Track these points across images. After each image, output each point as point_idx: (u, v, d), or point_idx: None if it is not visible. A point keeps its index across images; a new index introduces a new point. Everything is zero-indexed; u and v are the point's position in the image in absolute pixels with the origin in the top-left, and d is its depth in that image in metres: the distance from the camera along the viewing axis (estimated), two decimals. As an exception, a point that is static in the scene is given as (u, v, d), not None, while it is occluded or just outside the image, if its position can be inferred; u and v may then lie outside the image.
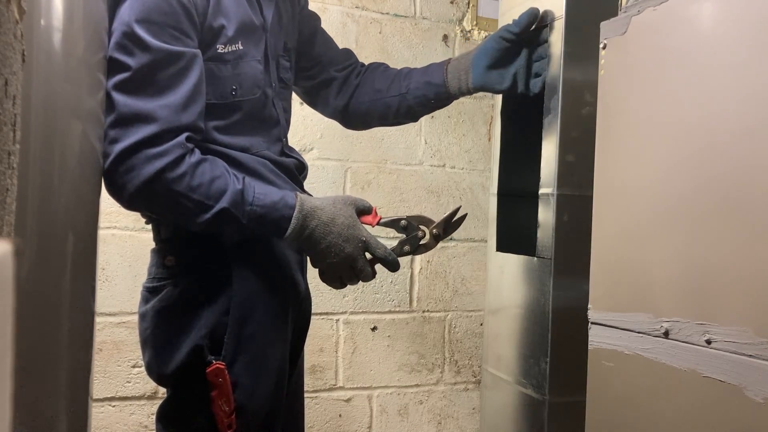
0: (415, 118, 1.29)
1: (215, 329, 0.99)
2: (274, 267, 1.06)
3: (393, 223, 1.09)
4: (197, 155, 0.94)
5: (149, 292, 1.04)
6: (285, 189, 1.03)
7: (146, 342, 1.04)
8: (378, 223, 1.08)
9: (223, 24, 0.99)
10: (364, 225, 1.05)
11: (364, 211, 1.06)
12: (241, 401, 0.99)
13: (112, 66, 0.90)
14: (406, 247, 1.09)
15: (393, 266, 1.05)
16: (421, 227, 1.10)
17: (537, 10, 1.20)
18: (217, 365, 0.98)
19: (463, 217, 1.12)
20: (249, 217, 0.96)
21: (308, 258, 1.07)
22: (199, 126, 0.95)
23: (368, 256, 1.05)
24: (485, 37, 1.83)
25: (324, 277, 1.06)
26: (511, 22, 1.21)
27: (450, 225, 1.11)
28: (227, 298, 1.00)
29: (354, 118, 1.31)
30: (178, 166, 0.91)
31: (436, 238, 1.10)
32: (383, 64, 1.32)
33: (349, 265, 1.03)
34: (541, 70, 1.21)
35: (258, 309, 1.02)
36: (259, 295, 1.03)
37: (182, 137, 0.92)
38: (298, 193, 1.02)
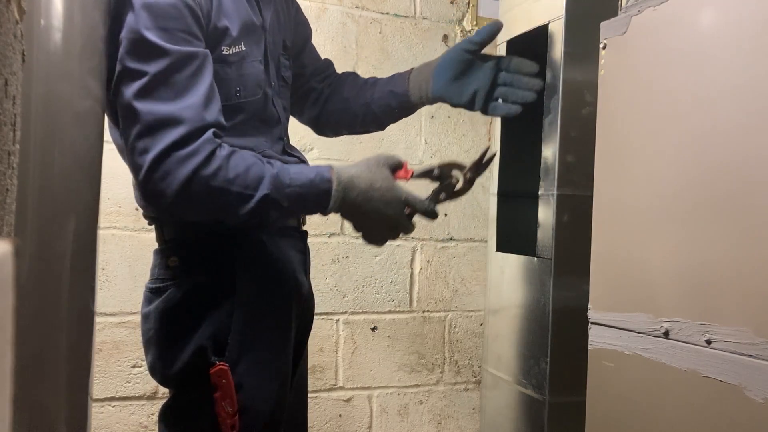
0: (381, 126, 1.29)
1: (219, 330, 0.99)
2: (277, 268, 1.06)
3: (426, 174, 1.10)
4: (227, 148, 0.93)
5: (152, 293, 1.04)
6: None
7: (149, 343, 1.03)
8: (411, 177, 1.08)
9: (226, 25, 0.99)
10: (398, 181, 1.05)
11: (396, 167, 1.06)
12: (245, 402, 0.99)
13: (128, 76, 0.89)
14: (442, 195, 1.10)
15: (433, 217, 1.06)
16: (454, 173, 1.10)
17: (500, 23, 1.18)
18: (221, 366, 0.98)
19: (493, 156, 1.13)
20: (289, 199, 0.95)
21: (351, 224, 1.05)
22: (221, 122, 0.95)
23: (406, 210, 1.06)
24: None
25: (366, 238, 1.06)
26: (507, 25, 1.21)
27: (481, 166, 1.12)
28: (231, 299, 1.00)
29: (324, 126, 1.32)
30: (211, 162, 0.90)
31: (470, 182, 1.11)
32: (353, 73, 1.32)
33: (391, 225, 1.03)
34: (503, 96, 1.17)
35: (261, 310, 1.02)
36: (263, 295, 1.03)
37: (209, 134, 0.92)
38: (331, 165, 1.01)
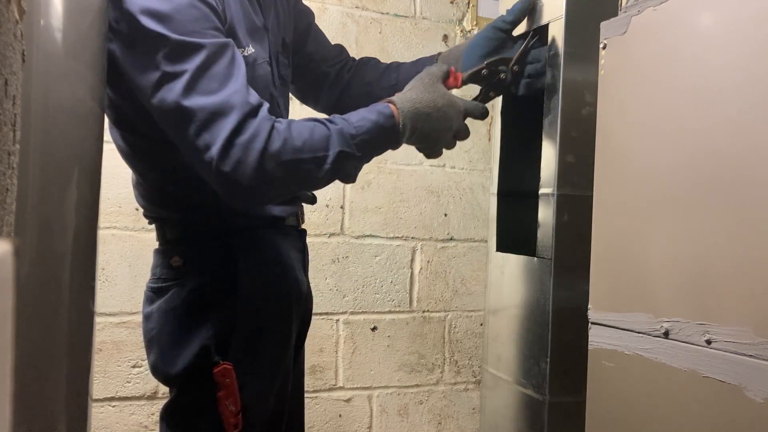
0: None
1: (222, 329, 0.99)
2: (279, 266, 1.06)
3: (475, 76, 1.13)
4: (284, 121, 0.94)
5: (154, 292, 1.04)
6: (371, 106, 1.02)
7: (152, 343, 1.03)
8: (462, 82, 1.11)
9: (236, 27, 0.99)
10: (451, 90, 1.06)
11: (446, 77, 1.07)
12: (248, 401, 0.99)
13: (167, 79, 0.88)
14: (491, 93, 1.15)
15: (485, 117, 1.10)
16: (501, 68, 1.14)
17: None
18: (225, 365, 0.98)
19: (536, 39, 1.17)
20: (360, 148, 0.95)
21: (416, 146, 1.06)
22: (263, 101, 0.95)
23: None
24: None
25: (428, 155, 1.08)
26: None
27: (525, 56, 1.16)
28: (234, 299, 1.00)
29: (344, 111, 1.31)
30: (274, 138, 0.90)
31: (519, 74, 1.16)
32: (374, 58, 1.32)
33: (453, 136, 1.06)
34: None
35: (264, 309, 1.03)
36: (265, 295, 1.03)
37: (264, 111, 0.91)
38: (387, 99, 1.01)
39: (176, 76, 0.88)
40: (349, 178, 0.99)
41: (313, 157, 0.92)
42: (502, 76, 1.13)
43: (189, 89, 0.88)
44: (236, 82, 0.91)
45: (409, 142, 1.02)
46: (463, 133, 1.07)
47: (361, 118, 0.97)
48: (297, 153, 0.91)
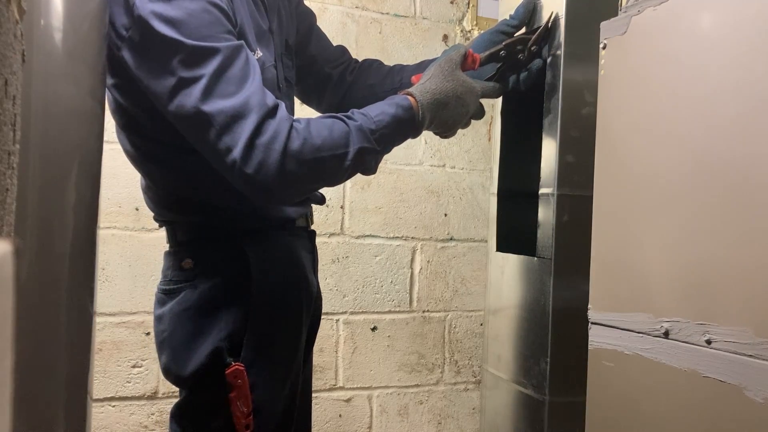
0: None
1: (234, 331, 0.99)
2: (290, 268, 1.06)
3: (493, 57, 1.14)
4: (302, 120, 0.94)
5: (165, 294, 1.04)
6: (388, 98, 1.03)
7: (163, 344, 1.03)
8: (480, 64, 1.11)
9: (246, 31, 0.99)
10: (468, 72, 1.07)
11: (463, 60, 1.07)
12: (259, 402, 0.99)
13: (184, 85, 0.88)
14: (508, 72, 1.16)
15: (501, 95, 1.13)
16: (519, 48, 1.15)
17: (533, 0, 1.21)
18: (237, 366, 0.98)
19: (556, 20, 1.18)
20: (380, 142, 0.97)
21: (432, 131, 1.08)
22: (280, 102, 0.95)
23: None
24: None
25: (444, 136, 1.10)
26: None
27: (545, 37, 1.17)
28: (246, 300, 1.00)
29: None
30: (294, 137, 0.90)
31: (536, 54, 1.17)
32: (377, 60, 1.32)
33: (469, 118, 1.08)
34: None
35: (276, 310, 1.03)
36: (277, 296, 1.03)
37: (282, 111, 0.92)
38: (405, 91, 1.02)
39: (193, 81, 0.88)
40: (369, 171, 1.00)
41: (333, 155, 0.92)
42: (520, 56, 1.15)
43: (207, 93, 0.88)
44: (252, 83, 0.91)
45: (427, 130, 1.04)
46: (479, 114, 1.09)
47: (381, 112, 0.97)
48: (317, 151, 0.91)
